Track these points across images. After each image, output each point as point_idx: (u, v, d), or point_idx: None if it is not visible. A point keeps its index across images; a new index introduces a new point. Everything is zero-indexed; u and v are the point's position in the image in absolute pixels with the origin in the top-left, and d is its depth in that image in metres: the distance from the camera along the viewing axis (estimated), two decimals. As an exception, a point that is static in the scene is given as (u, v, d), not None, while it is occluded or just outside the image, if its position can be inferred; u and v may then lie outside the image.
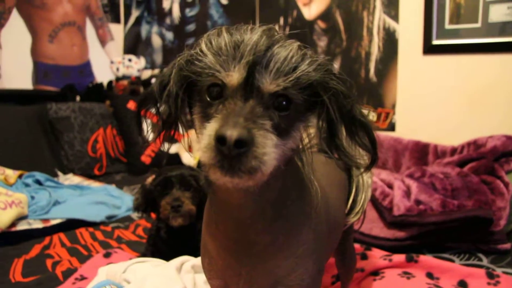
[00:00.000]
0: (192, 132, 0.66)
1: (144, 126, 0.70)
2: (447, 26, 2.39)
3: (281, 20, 3.03)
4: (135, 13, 3.91)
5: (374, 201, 1.81)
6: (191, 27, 3.59)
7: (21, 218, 1.85)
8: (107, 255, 1.53)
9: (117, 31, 3.95)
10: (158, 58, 3.81)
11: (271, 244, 0.67)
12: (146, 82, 3.58)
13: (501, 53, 2.26)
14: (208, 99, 0.60)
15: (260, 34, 0.58)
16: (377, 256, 1.51)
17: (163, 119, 0.66)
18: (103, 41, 3.81)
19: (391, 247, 1.64)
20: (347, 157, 0.63)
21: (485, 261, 1.53)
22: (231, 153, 0.51)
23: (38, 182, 2.32)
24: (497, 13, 2.23)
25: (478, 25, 2.30)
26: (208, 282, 0.78)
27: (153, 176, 1.44)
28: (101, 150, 3.07)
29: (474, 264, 1.51)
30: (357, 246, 1.55)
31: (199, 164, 0.61)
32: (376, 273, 1.39)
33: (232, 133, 0.50)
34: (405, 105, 2.61)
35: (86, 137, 3.02)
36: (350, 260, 1.17)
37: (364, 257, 1.50)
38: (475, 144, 2.17)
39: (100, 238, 1.83)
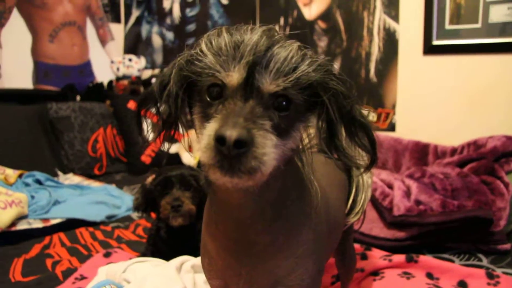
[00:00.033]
0: (192, 132, 0.66)
1: (144, 126, 0.71)
2: (447, 26, 2.39)
3: (282, 20, 3.03)
4: (135, 13, 3.91)
5: (374, 201, 1.81)
6: (191, 27, 3.59)
7: (21, 217, 1.85)
8: (107, 255, 1.53)
9: (118, 31, 3.95)
10: (159, 58, 3.81)
11: (271, 244, 0.67)
12: (146, 82, 3.58)
13: (501, 53, 2.26)
14: (208, 99, 0.60)
15: (260, 34, 0.58)
16: (377, 256, 1.51)
17: (163, 119, 0.66)
18: (103, 41, 3.81)
19: (391, 247, 1.64)
20: (346, 158, 0.63)
21: (485, 262, 1.53)
22: (231, 153, 0.51)
23: (38, 181, 2.32)
24: (497, 14, 2.23)
25: (478, 25, 2.29)
26: (208, 282, 0.78)
27: (153, 176, 1.44)
28: (101, 149, 3.08)
29: (474, 264, 1.51)
30: (357, 246, 1.55)
31: (199, 164, 0.61)
32: (376, 273, 1.39)
33: (231, 133, 0.50)
34: (405, 105, 2.61)
35: (86, 137, 3.02)
36: (350, 260, 1.17)
37: (364, 257, 1.50)
38: (475, 145, 2.17)
39: (100, 238, 1.83)
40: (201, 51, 0.60)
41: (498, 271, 1.42)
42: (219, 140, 0.51)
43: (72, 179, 2.69)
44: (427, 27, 2.44)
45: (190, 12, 3.57)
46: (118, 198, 2.30)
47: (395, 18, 2.58)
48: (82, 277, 1.38)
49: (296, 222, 0.69)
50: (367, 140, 0.63)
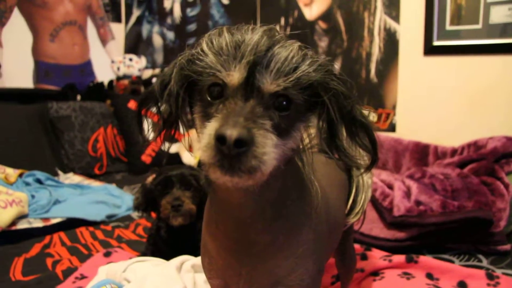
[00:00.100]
0: (192, 132, 0.66)
1: (145, 125, 0.71)
2: (448, 27, 2.39)
3: (282, 20, 3.03)
4: (136, 13, 3.91)
5: (374, 201, 1.81)
6: (192, 26, 3.59)
7: (22, 217, 1.85)
8: (107, 254, 1.53)
9: (118, 30, 3.95)
10: (159, 57, 3.81)
11: (271, 244, 0.67)
12: (147, 82, 3.59)
13: (501, 54, 2.26)
14: (209, 98, 0.60)
15: (261, 34, 0.58)
16: (377, 256, 1.51)
17: (164, 119, 0.66)
18: (104, 41, 3.82)
19: (391, 247, 1.64)
20: (347, 158, 0.63)
21: (485, 262, 1.53)
22: (231, 153, 0.51)
23: (39, 181, 2.32)
24: (498, 14, 2.23)
25: (479, 26, 2.29)
26: (208, 282, 0.78)
27: (154, 176, 1.44)
28: (101, 149, 3.08)
29: (474, 265, 1.51)
30: (357, 246, 1.55)
31: (200, 163, 0.61)
32: (376, 273, 1.39)
33: (232, 133, 0.50)
34: (406, 106, 2.61)
35: (87, 136, 3.02)
36: (350, 261, 1.17)
37: (364, 257, 1.50)
38: (475, 145, 2.17)
39: (100, 237, 1.83)
40: (202, 50, 0.60)
41: (498, 271, 1.42)
42: (220, 139, 0.51)
43: (73, 178, 2.69)
44: (427, 28, 2.44)
45: (191, 12, 3.58)
46: (119, 198, 2.30)
47: (396, 18, 2.58)
48: (83, 277, 1.38)
49: (297, 222, 0.69)
50: (368, 140, 0.63)
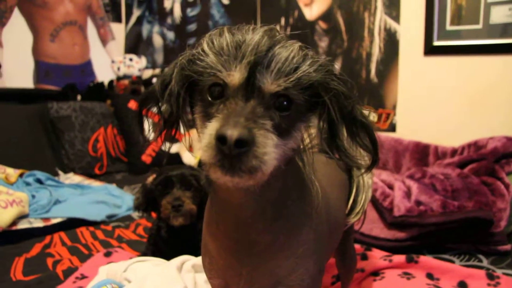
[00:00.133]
0: (193, 132, 0.66)
1: (145, 125, 0.71)
2: (448, 27, 2.39)
3: (282, 21, 3.03)
4: (136, 13, 3.91)
5: (374, 201, 1.81)
6: (192, 27, 3.59)
7: (22, 217, 1.85)
8: (107, 254, 1.53)
9: (118, 30, 3.95)
10: (159, 57, 3.81)
11: (272, 244, 0.67)
12: (147, 82, 3.59)
13: (502, 54, 2.26)
14: (210, 98, 0.60)
15: (262, 35, 0.58)
16: (377, 256, 1.51)
17: (165, 119, 0.66)
18: (104, 41, 3.82)
19: (392, 247, 1.64)
20: (348, 158, 0.63)
21: (485, 262, 1.53)
22: (232, 153, 0.51)
23: (39, 181, 2.32)
24: (499, 15, 2.23)
25: (479, 26, 2.29)
26: (208, 282, 0.78)
27: (154, 176, 1.44)
28: (101, 149, 3.08)
29: (474, 265, 1.51)
30: (357, 246, 1.55)
31: (200, 163, 0.61)
32: (376, 273, 1.39)
33: (232, 133, 0.50)
34: (406, 106, 2.61)
35: (87, 136, 3.02)
36: (350, 261, 1.17)
37: (364, 257, 1.50)
38: (475, 145, 2.17)
39: (100, 237, 1.83)
40: (203, 50, 0.60)
41: (498, 272, 1.42)
42: (220, 139, 0.51)
43: (73, 178, 2.69)
44: (428, 28, 2.44)
45: (191, 12, 3.58)
46: (119, 198, 2.30)
47: (396, 18, 2.58)
48: (83, 277, 1.38)
49: (297, 222, 0.69)
50: (368, 140, 0.63)
